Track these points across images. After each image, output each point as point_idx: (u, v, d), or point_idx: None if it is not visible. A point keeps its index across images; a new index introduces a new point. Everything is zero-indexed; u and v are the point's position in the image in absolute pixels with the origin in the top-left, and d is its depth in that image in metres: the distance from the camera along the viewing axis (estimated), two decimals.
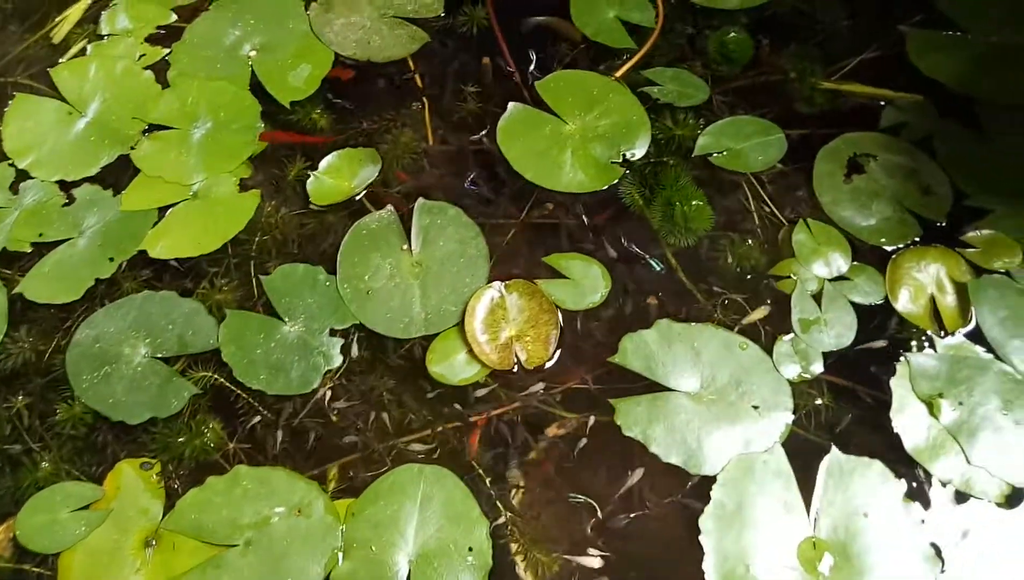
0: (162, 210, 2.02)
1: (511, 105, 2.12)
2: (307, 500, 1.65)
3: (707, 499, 1.62)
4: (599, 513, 1.66)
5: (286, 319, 1.86)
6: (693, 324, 1.80)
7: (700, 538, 1.58)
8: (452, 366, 1.79)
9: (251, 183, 2.07)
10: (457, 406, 1.77)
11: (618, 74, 2.18)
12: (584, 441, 1.72)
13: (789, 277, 1.86)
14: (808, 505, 1.62)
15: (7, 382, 1.83)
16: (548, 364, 1.81)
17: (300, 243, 1.98)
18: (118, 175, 2.09)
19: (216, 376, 1.80)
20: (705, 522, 1.60)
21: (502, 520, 1.65)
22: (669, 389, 1.74)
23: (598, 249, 1.94)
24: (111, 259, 1.95)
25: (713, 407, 1.71)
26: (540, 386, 1.79)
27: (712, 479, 1.64)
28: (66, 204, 2.05)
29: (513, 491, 1.68)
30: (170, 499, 1.68)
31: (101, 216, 2.02)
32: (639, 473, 1.68)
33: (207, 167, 2.08)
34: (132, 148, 2.12)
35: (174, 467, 1.72)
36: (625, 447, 1.70)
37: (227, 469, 1.70)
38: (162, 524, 1.65)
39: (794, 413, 1.71)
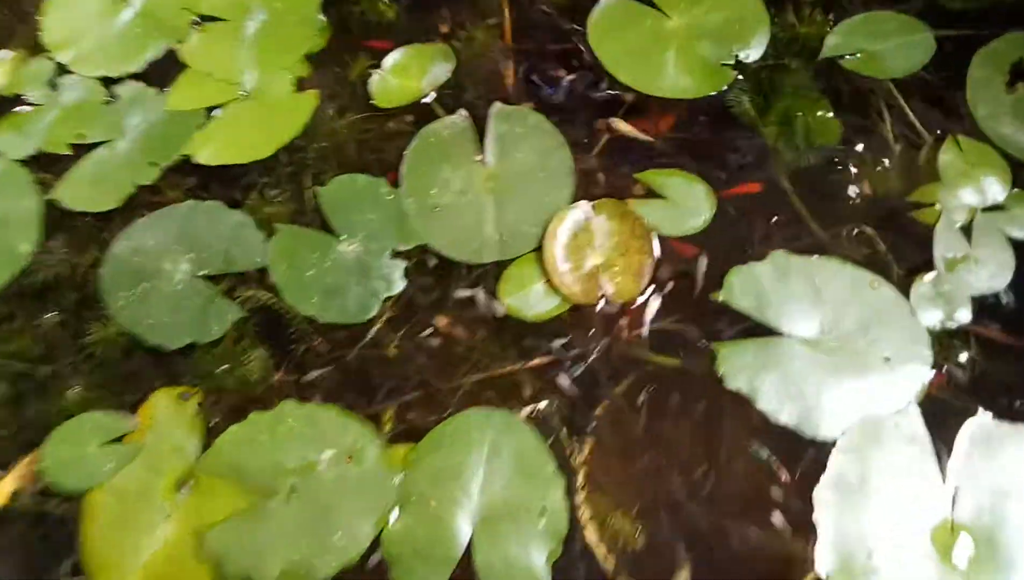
0: (210, 111, 1.82)
1: None
2: (360, 444, 1.46)
3: (823, 467, 1.37)
4: (691, 478, 1.43)
5: (343, 237, 1.65)
6: (814, 257, 1.53)
7: (814, 516, 1.34)
8: (527, 298, 1.56)
9: (309, 83, 1.85)
10: (532, 344, 1.55)
11: None
12: (677, 392, 1.49)
13: (932, 205, 1.56)
14: (947, 480, 1.35)
15: (39, 297, 1.65)
16: (639, 300, 1.56)
17: (361, 151, 1.76)
18: (165, 72, 1.88)
19: (266, 296, 1.60)
20: (821, 495, 1.35)
21: (578, 478, 1.43)
22: (781, 334, 1.48)
23: (699, 166, 1.68)
24: (153, 164, 1.76)
25: (835, 357, 1.44)
26: (628, 325, 1.54)
27: (831, 444, 1.39)
28: (108, 102, 1.85)
29: (590, 445, 1.45)
30: (208, 436, 1.50)
31: (145, 116, 1.82)
32: (741, 433, 1.44)
33: (261, 63, 1.87)
34: (180, 42, 1.91)
35: (215, 400, 1.54)
36: (725, 401, 1.46)
37: (273, 404, 1.50)
38: (197, 464, 1.47)
39: (933, 368, 1.44)
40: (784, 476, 1.40)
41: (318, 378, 1.55)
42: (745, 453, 1.43)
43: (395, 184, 1.69)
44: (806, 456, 1.40)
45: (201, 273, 1.64)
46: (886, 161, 1.64)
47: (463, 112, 1.74)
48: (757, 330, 1.50)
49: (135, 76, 1.88)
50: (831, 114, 1.68)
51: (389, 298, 1.60)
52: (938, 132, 1.65)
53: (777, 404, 1.42)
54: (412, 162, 1.70)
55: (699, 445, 1.45)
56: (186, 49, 1.90)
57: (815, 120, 1.66)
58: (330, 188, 1.70)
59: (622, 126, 1.73)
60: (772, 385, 1.43)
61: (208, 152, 1.76)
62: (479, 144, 1.71)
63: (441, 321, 1.58)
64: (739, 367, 1.45)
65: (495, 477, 1.42)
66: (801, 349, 1.45)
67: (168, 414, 1.52)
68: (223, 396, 1.54)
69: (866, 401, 1.41)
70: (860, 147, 1.66)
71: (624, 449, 1.45)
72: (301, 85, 1.84)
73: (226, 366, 1.55)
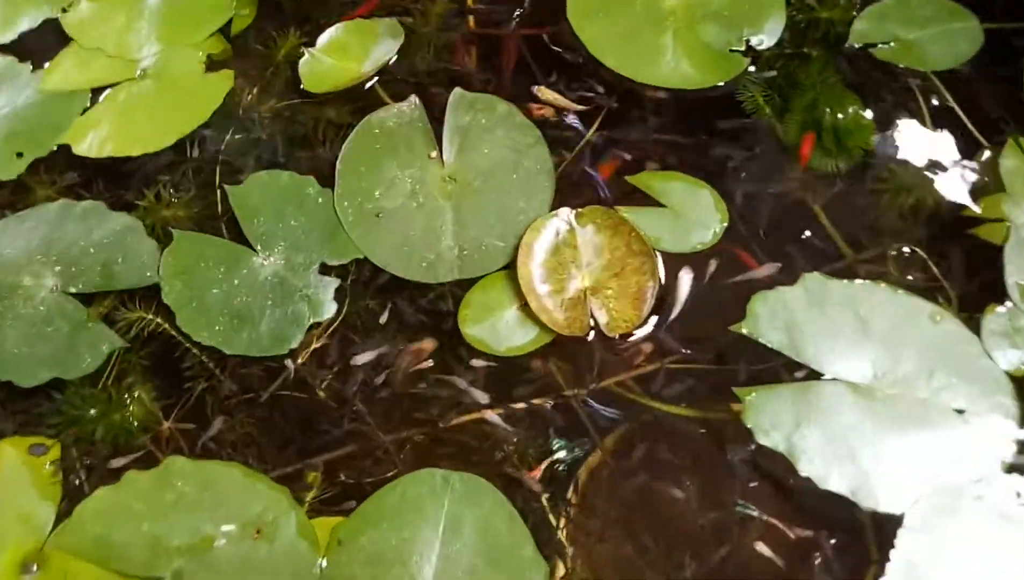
0: (97, 93, 1.54)
1: None
2: (271, 515, 1.14)
3: (888, 551, 1.07)
4: (707, 562, 1.11)
5: (258, 247, 1.35)
6: (857, 282, 1.23)
7: None
8: (496, 328, 1.26)
9: (224, 63, 1.57)
10: (503, 385, 1.24)
11: None
12: (690, 448, 1.19)
13: (999, 221, 1.28)
14: None
15: None
16: (639, 332, 1.25)
17: (286, 143, 1.47)
18: (42, 45, 1.61)
19: (154, 319, 1.29)
20: None
21: (562, 563, 1.11)
22: (822, 376, 1.18)
23: (705, 169, 1.40)
24: (19, 155, 1.48)
25: (893, 407, 1.14)
26: (626, 362, 1.24)
27: (896, 519, 1.08)
28: None
29: (579, 518, 1.14)
30: (69, 501, 1.18)
31: (12, 97, 1.55)
32: (772, 503, 1.14)
33: (164, 37, 1.59)
34: (64, 10, 1.63)
35: (79, 453, 1.22)
36: (752, 461, 1.16)
37: (157, 460, 1.19)
38: (51, 539, 1.15)
39: (1022, 424, 1.14)
40: (833, 561, 1.09)
41: (219, 427, 1.23)
42: (776, 530, 1.11)
43: (327, 184, 1.40)
44: (863, 534, 1.09)
45: (71, 290, 1.34)
46: (934, 167, 1.36)
47: (414, 98, 1.45)
48: (790, 371, 1.20)
49: (3, 49, 1.62)
50: (863, 111, 1.41)
51: (316, 325, 1.29)
52: (994, 134, 1.39)
53: (823, 467, 1.10)
54: (349, 158, 1.41)
55: (718, 518, 1.13)
56: (71, 19, 1.63)
57: (845, 118, 1.40)
58: (245, 187, 1.41)
59: (549, 95, 1.47)
60: (816, 442, 1.11)
61: (92, 142, 1.50)
62: (434, 137, 1.43)
63: (383, 354, 1.26)
64: (772, 418, 1.14)
65: (454, 562, 1.10)
66: (850, 397, 1.15)
67: (14, 472, 1.22)
68: (92, 449, 1.23)
69: (938, 465, 1.10)
70: (900, 151, 1.39)
71: (622, 523, 1.14)
72: (213, 64, 1.56)
73: (97, 410, 1.24)
